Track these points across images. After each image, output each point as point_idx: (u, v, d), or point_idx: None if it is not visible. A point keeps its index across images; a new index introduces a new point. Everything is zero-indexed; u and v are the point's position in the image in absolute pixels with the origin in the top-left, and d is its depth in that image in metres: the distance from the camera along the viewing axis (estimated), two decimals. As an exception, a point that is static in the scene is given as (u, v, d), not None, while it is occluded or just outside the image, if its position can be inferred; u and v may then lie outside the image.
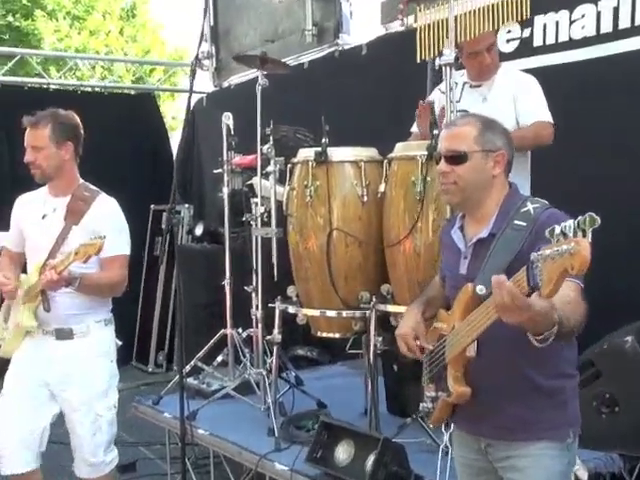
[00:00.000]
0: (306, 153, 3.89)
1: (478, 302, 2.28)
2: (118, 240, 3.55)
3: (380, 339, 3.69)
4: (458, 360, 2.37)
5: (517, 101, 3.77)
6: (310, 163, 3.78)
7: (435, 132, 3.43)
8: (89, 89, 9.23)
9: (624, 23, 4.34)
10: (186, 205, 7.49)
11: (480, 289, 2.25)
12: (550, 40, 4.77)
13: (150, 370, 7.51)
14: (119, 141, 7.93)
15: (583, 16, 4.56)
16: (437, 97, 4.03)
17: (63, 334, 3.52)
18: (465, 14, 3.29)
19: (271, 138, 4.07)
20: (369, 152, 3.87)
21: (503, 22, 3.27)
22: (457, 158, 2.42)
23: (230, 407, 4.45)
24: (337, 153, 3.79)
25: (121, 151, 7.92)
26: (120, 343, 3.83)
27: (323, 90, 6.48)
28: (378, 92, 6.01)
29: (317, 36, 6.74)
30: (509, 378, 2.36)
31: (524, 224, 2.30)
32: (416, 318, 2.61)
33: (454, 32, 3.27)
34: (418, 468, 3.35)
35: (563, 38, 4.69)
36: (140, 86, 9.90)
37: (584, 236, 1.68)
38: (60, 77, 10.24)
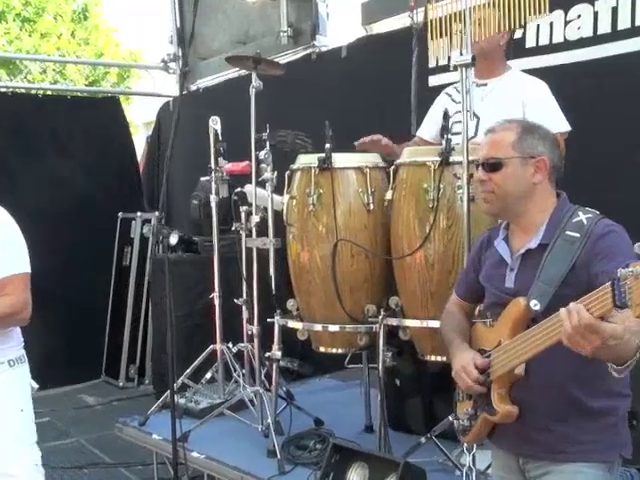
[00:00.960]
0: (307, 159, 3.70)
1: (530, 317, 2.16)
2: (8, 257, 2.94)
3: (389, 354, 3.52)
4: (505, 378, 2.24)
5: (526, 109, 3.61)
6: (313, 170, 3.59)
7: (447, 137, 3.29)
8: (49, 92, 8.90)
9: (624, 24, 4.23)
10: (156, 213, 7.21)
11: (534, 304, 2.13)
12: (544, 41, 4.66)
13: (121, 385, 7.20)
14: (84, 146, 7.64)
15: (579, 16, 4.45)
16: (443, 100, 3.87)
17: None
18: (480, 7, 3.13)
19: (267, 143, 3.85)
20: (374, 158, 3.70)
21: (519, 21, 3.13)
22: (493, 165, 2.30)
23: (222, 426, 4.21)
24: (340, 159, 3.61)
25: (86, 157, 7.63)
26: (36, 386, 3.17)
27: (300, 93, 6.30)
28: (359, 95, 5.85)
29: (293, 38, 6.57)
30: (555, 398, 2.23)
31: (577, 235, 2.17)
32: (470, 352, 2.39)
33: (469, 28, 3.10)
34: (434, 490, 3.20)
35: (558, 39, 4.58)
36: (104, 89, 9.61)
37: None
38: (11, 80, 9.85)
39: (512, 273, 2.31)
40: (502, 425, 2.29)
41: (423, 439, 3.50)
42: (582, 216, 2.21)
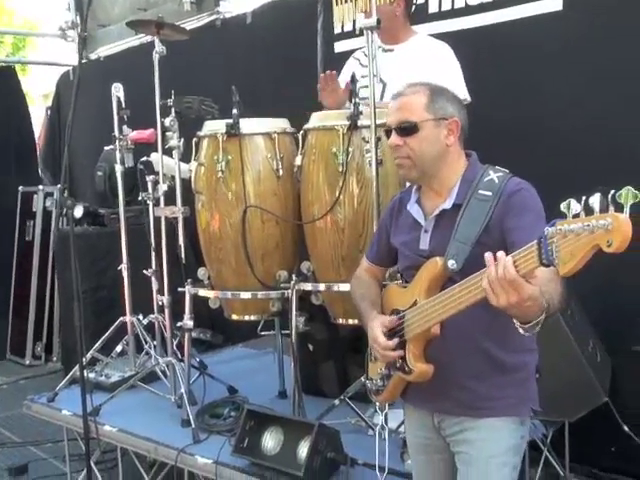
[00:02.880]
0: (214, 125, 3.65)
1: (447, 277, 2.18)
2: None
3: (302, 319, 3.53)
4: (421, 337, 2.25)
5: (432, 73, 3.63)
6: (220, 136, 3.54)
7: (355, 101, 3.29)
8: None
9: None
10: (58, 186, 7.02)
11: (452, 264, 2.13)
12: (446, 6, 4.70)
13: (28, 363, 7.04)
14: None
15: (480, -18, 4.51)
16: (352, 65, 3.87)
17: None
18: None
19: (173, 110, 3.77)
20: (282, 123, 3.67)
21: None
22: (408, 129, 2.27)
23: (134, 399, 4.15)
24: (248, 125, 3.57)
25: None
26: None
27: (204, 60, 6.21)
28: (265, 62, 5.80)
29: (196, 4, 6.43)
30: (469, 354, 2.26)
31: (489, 193, 2.18)
32: (377, 320, 2.38)
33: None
34: (348, 450, 3.21)
35: (459, 4, 4.63)
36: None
37: (616, 211, 1.56)
38: None
39: (427, 235, 2.31)
40: (416, 384, 2.31)
41: (337, 401, 3.54)
42: (493, 175, 2.23)
